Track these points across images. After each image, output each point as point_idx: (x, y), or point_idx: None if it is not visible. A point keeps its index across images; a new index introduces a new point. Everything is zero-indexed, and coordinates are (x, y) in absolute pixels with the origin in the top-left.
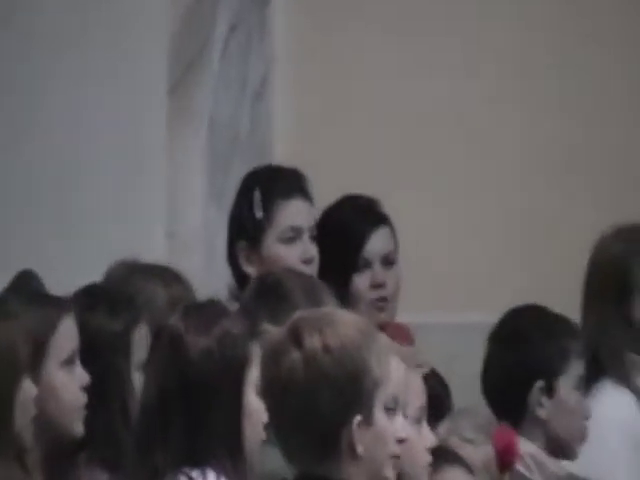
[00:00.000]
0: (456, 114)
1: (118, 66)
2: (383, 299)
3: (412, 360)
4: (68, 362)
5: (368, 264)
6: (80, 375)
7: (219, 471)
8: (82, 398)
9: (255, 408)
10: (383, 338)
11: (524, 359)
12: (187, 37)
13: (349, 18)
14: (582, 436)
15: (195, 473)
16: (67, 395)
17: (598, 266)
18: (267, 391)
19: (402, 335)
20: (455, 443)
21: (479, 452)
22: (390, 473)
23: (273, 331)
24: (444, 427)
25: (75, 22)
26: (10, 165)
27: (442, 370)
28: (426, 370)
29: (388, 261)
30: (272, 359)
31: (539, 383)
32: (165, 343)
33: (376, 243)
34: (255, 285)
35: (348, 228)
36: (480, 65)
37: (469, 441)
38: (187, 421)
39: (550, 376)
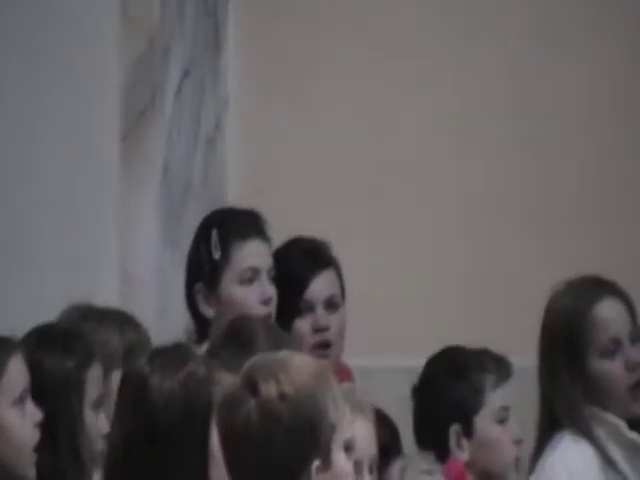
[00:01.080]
0: (412, 163)
1: (71, 113)
2: (326, 343)
3: (351, 397)
4: (19, 401)
5: (311, 307)
6: (32, 412)
7: None
8: (35, 436)
9: (218, 454)
10: (336, 382)
11: (436, 406)
12: (139, 85)
13: (302, 65)
14: (512, 463)
15: None
16: (18, 434)
17: (549, 321)
18: (224, 441)
19: (344, 376)
20: (411, 477)
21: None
22: None
23: (228, 380)
24: (397, 466)
25: (25, 66)
26: None
27: (396, 412)
28: (370, 409)
29: (331, 304)
30: (228, 409)
31: (455, 427)
32: (131, 386)
33: (318, 286)
34: (223, 334)
35: (291, 271)
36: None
37: (426, 471)
38: (151, 467)
39: (465, 417)
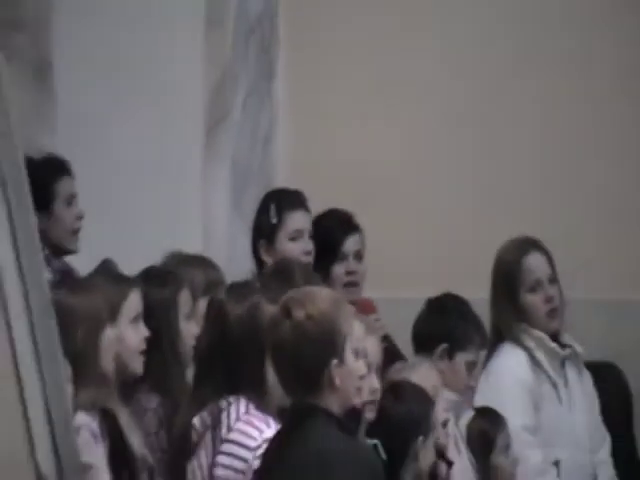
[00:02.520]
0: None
1: (170, 121)
2: (354, 283)
3: (371, 326)
4: (134, 320)
5: (344, 257)
6: (142, 329)
7: (248, 399)
8: (143, 345)
9: None
10: (349, 307)
11: (438, 326)
12: (217, 100)
13: (334, 87)
14: (465, 390)
15: (232, 399)
16: (132, 343)
17: (495, 268)
18: (271, 351)
19: (368, 306)
20: (405, 366)
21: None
22: (357, 400)
23: (271, 308)
24: (397, 366)
25: (127, 88)
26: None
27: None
28: (382, 333)
29: (358, 256)
30: (271, 329)
31: (442, 346)
32: (213, 309)
33: (350, 243)
34: (271, 268)
35: (332, 231)
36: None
37: (412, 364)
38: (227, 365)
39: (453, 345)
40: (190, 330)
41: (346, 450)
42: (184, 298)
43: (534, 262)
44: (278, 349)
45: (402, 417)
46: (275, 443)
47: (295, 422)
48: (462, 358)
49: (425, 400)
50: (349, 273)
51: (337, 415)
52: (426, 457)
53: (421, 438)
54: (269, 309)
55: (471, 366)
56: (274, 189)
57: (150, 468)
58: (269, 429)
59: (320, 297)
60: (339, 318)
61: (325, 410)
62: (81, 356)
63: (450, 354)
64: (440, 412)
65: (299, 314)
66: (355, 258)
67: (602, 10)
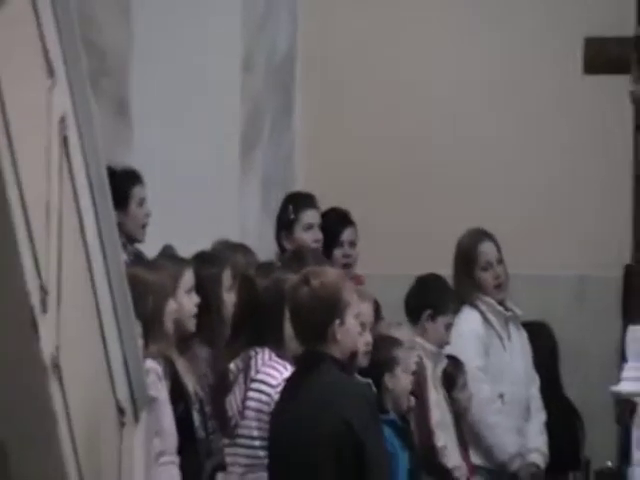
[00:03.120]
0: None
1: (214, 147)
2: (349, 264)
3: (364, 294)
4: (189, 291)
5: (342, 244)
6: (194, 298)
7: (271, 349)
8: (194, 309)
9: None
10: (350, 283)
11: (424, 297)
12: (250, 131)
13: (341, 122)
14: (444, 345)
15: (259, 349)
16: (187, 309)
17: (456, 251)
18: (290, 310)
19: (358, 280)
20: (392, 326)
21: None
22: (355, 348)
23: (293, 277)
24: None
25: (185, 120)
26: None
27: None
28: (371, 297)
29: (353, 244)
30: (291, 292)
31: (427, 312)
32: (245, 283)
33: (347, 234)
34: (290, 254)
35: (334, 225)
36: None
37: (398, 324)
38: (256, 320)
39: (435, 311)
40: (231, 299)
41: (347, 385)
42: (226, 275)
43: (486, 248)
44: (296, 308)
45: (374, 360)
46: (291, 381)
47: (307, 365)
48: (442, 321)
49: (389, 344)
50: (345, 256)
51: (339, 360)
52: (396, 387)
53: (387, 374)
54: (291, 278)
55: (448, 327)
56: (292, 192)
57: (201, 401)
58: (286, 371)
59: (330, 273)
60: (343, 289)
61: (330, 356)
62: (150, 318)
63: (433, 318)
64: (412, 360)
65: (315, 282)
66: (350, 246)
67: None
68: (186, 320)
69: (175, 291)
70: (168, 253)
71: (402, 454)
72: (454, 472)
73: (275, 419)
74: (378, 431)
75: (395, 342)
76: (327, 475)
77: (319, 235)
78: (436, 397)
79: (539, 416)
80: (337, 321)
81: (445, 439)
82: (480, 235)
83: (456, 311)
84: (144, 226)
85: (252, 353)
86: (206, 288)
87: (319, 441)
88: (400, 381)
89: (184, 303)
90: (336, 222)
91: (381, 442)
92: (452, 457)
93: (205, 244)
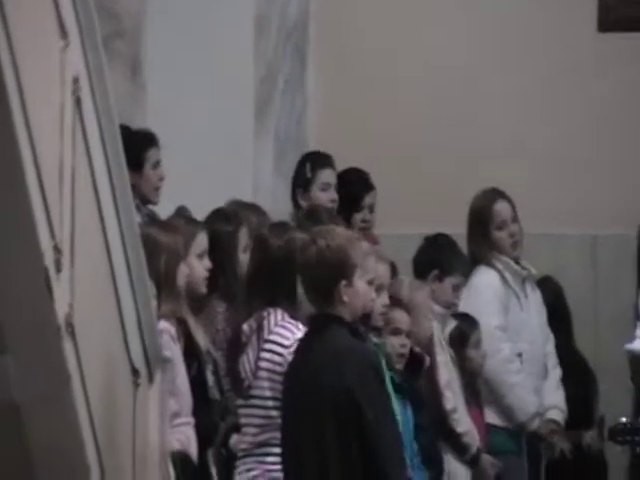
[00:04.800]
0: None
1: (226, 107)
2: (368, 228)
3: (381, 255)
4: (200, 255)
5: (362, 209)
6: (206, 263)
7: (284, 310)
8: (205, 273)
9: None
10: (364, 244)
11: (431, 257)
12: (263, 89)
13: (352, 80)
14: (451, 306)
15: (271, 310)
16: (197, 272)
17: (470, 211)
18: (300, 268)
19: (372, 240)
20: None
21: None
22: (365, 310)
23: (304, 236)
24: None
25: (198, 81)
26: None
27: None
28: (387, 258)
29: (372, 209)
30: (301, 251)
31: (434, 272)
32: (259, 242)
33: (368, 198)
34: (305, 212)
35: (354, 189)
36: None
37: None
38: (269, 280)
39: (442, 271)
40: (246, 258)
41: (354, 349)
42: (243, 234)
43: (500, 207)
44: (304, 268)
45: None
46: (302, 342)
47: (316, 327)
48: (449, 281)
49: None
50: (364, 222)
51: (348, 322)
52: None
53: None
54: (302, 237)
55: (456, 288)
56: (311, 151)
57: (214, 361)
58: (299, 331)
59: (338, 233)
60: (350, 250)
61: (339, 318)
62: (163, 278)
63: (440, 278)
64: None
65: (321, 243)
66: (369, 210)
67: None
68: (197, 283)
69: (187, 253)
70: (182, 214)
71: (402, 410)
72: (463, 437)
73: (286, 380)
74: (381, 399)
75: (395, 301)
76: (331, 439)
77: (335, 195)
78: (444, 358)
79: (555, 372)
80: (343, 282)
81: (454, 401)
82: (494, 194)
83: (465, 273)
84: (158, 189)
85: (265, 313)
86: (222, 246)
87: (322, 405)
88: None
89: (195, 266)
90: (357, 185)
91: (384, 410)
92: (462, 421)
93: (219, 204)
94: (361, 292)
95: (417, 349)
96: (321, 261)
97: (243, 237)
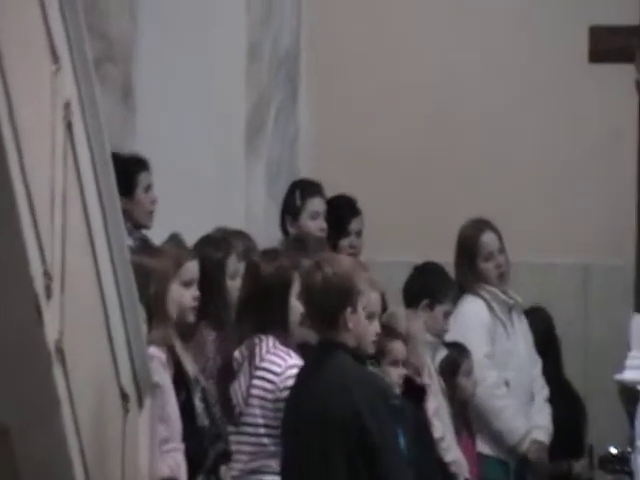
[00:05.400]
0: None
1: (218, 135)
2: (355, 254)
3: (374, 283)
4: (188, 283)
5: (349, 234)
6: (193, 291)
7: (275, 337)
8: (192, 303)
9: (294, 304)
10: (366, 274)
11: (421, 286)
12: (255, 117)
13: (342, 112)
14: (442, 333)
15: (263, 337)
16: (185, 302)
17: (458, 242)
18: (304, 293)
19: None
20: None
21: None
22: (368, 336)
23: (308, 263)
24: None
25: (189, 108)
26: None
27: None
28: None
29: (359, 234)
30: (306, 277)
31: (425, 301)
32: (250, 269)
33: (355, 223)
34: (293, 240)
35: (343, 214)
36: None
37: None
38: (260, 307)
39: (433, 299)
40: (235, 285)
41: (362, 375)
42: (231, 261)
43: (487, 239)
44: (309, 294)
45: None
46: (305, 369)
47: (321, 354)
48: (440, 310)
49: (389, 336)
50: (352, 247)
51: (352, 349)
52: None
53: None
54: (292, 264)
55: (447, 315)
56: (300, 179)
57: (202, 388)
58: (291, 359)
59: (344, 260)
60: (356, 278)
61: (343, 344)
62: (152, 304)
63: (431, 306)
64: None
65: (328, 270)
66: (356, 235)
67: None
68: (182, 311)
69: (173, 281)
70: (175, 241)
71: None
72: (451, 466)
73: (288, 405)
74: (387, 422)
75: (394, 334)
76: (338, 465)
77: (324, 224)
78: (434, 387)
79: (542, 393)
80: (349, 309)
81: (443, 430)
82: (481, 225)
83: (454, 299)
84: (151, 212)
85: (256, 340)
86: (210, 273)
87: (329, 430)
88: (392, 373)
89: (181, 294)
90: (344, 211)
91: (393, 437)
92: (450, 450)
93: (210, 230)
94: (363, 319)
95: (418, 379)
96: (327, 287)
97: (232, 264)
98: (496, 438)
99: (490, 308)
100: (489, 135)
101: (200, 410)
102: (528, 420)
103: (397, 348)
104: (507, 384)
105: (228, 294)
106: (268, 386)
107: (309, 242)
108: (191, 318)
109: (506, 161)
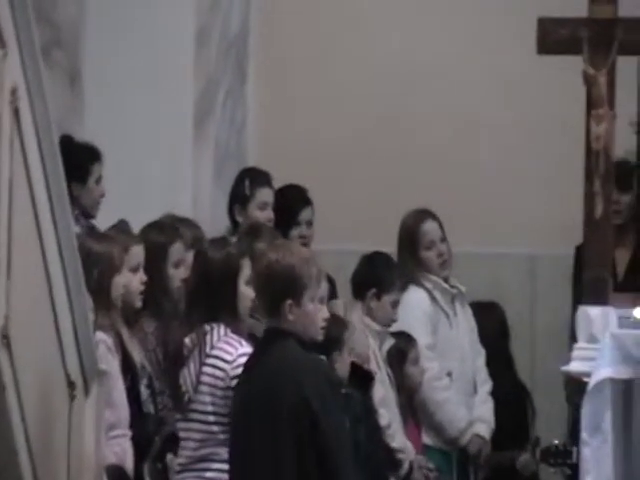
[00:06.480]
0: None
1: (165, 118)
2: (305, 243)
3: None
4: (134, 268)
5: (299, 224)
6: (140, 276)
7: (226, 325)
8: (140, 287)
9: (244, 293)
10: (317, 266)
11: (368, 275)
12: (203, 101)
13: (293, 93)
14: (390, 322)
15: (214, 324)
16: (131, 286)
17: (400, 231)
18: (252, 279)
19: None
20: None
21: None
22: (316, 329)
23: (261, 249)
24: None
25: (136, 92)
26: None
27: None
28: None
29: (309, 224)
30: (256, 261)
31: (372, 290)
32: (199, 257)
33: (305, 213)
34: (246, 228)
35: (292, 204)
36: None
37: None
38: (209, 296)
39: (380, 289)
40: (178, 274)
41: (310, 361)
42: (175, 248)
43: (429, 227)
44: (256, 279)
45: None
46: (253, 355)
47: (268, 341)
48: (387, 299)
49: (339, 325)
50: (301, 237)
51: (299, 335)
52: (342, 365)
53: (336, 352)
54: (259, 247)
55: (395, 304)
56: (249, 167)
57: (149, 375)
58: (242, 347)
59: (293, 251)
60: (302, 269)
61: (289, 332)
62: (96, 289)
63: (378, 296)
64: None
65: (272, 257)
66: (307, 225)
67: None
68: (130, 296)
69: (121, 266)
70: (122, 227)
71: None
72: (397, 453)
73: (236, 393)
74: (334, 408)
75: (344, 323)
76: (286, 450)
77: (271, 215)
78: (380, 375)
79: (484, 386)
80: (289, 301)
81: (390, 418)
82: (422, 214)
83: (402, 289)
84: (98, 203)
85: (207, 328)
86: (151, 260)
87: (278, 416)
88: (345, 361)
89: (128, 279)
90: (294, 200)
91: (337, 421)
92: (396, 437)
93: (157, 216)
94: (311, 312)
95: (365, 366)
96: (270, 275)
97: (176, 251)
98: (438, 429)
99: (432, 298)
100: (437, 126)
101: (145, 396)
102: (470, 411)
103: (348, 337)
104: (450, 375)
105: (170, 281)
106: (219, 373)
107: (262, 231)
108: (138, 303)
109: (455, 153)
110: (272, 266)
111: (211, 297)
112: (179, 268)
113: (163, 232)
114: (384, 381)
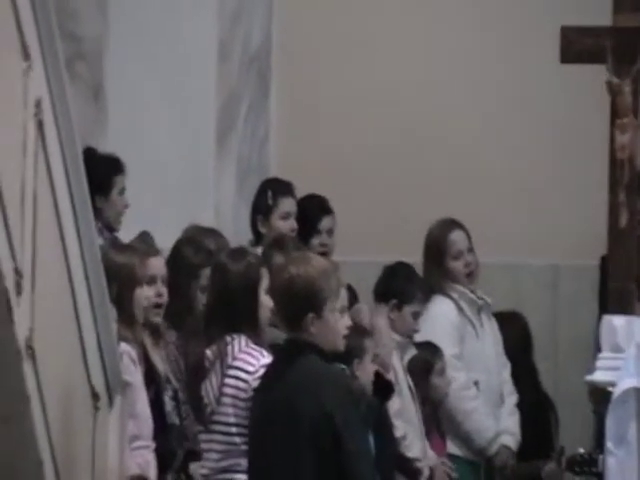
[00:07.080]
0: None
1: (189, 132)
2: (326, 253)
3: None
4: (150, 281)
5: (320, 232)
6: (158, 288)
7: (247, 336)
8: (153, 300)
9: (264, 302)
10: (337, 276)
11: (390, 286)
12: (226, 115)
13: (315, 108)
14: (412, 334)
15: (235, 336)
16: (150, 300)
17: (426, 241)
18: (271, 291)
19: None
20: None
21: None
22: (338, 339)
23: (280, 260)
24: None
25: (160, 106)
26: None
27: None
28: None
29: (330, 232)
30: (274, 276)
31: (393, 301)
32: (218, 268)
33: (326, 222)
34: (271, 240)
35: (314, 212)
36: None
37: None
38: (229, 308)
39: (401, 300)
40: (202, 299)
41: (331, 374)
42: (206, 273)
43: (456, 237)
44: (274, 292)
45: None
46: (272, 368)
47: (288, 353)
48: (408, 310)
49: (360, 333)
50: (322, 245)
51: (320, 348)
52: (364, 374)
53: (356, 360)
54: (277, 259)
55: (416, 315)
56: (271, 178)
57: (174, 387)
58: (263, 358)
59: (313, 263)
60: (322, 282)
61: (310, 344)
62: (117, 301)
63: (399, 307)
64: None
65: (293, 270)
66: (328, 234)
67: None
68: (149, 311)
69: (143, 278)
70: (144, 239)
71: None
72: (414, 463)
73: (255, 405)
74: (357, 423)
75: (365, 331)
76: (306, 463)
77: (295, 225)
78: (397, 387)
79: (510, 398)
80: (311, 315)
81: (406, 429)
82: (450, 224)
83: (424, 300)
84: (121, 215)
85: (228, 339)
86: (181, 276)
87: (299, 429)
88: (367, 369)
89: (147, 294)
90: (315, 209)
91: (360, 435)
92: (413, 447)
93: (180, 228)
94: (332, 324)
95: (387, 376)
96: (291, 289)
97: (204, 276)
98: (465, 439)
99: (459, 308)
100: (462, 137)
101: (170, 408)
102: (497, 422)
103: (369, 345)
104: (477, 385)
105: (196, 302)
106: (241, 385)
107: (287, 243)
108: (153, 316)
109: (477, 163)
110: (293, 280)
111: (232, 308)
112: (204, 294)
113: (199, 253)
114: (402, 392)
